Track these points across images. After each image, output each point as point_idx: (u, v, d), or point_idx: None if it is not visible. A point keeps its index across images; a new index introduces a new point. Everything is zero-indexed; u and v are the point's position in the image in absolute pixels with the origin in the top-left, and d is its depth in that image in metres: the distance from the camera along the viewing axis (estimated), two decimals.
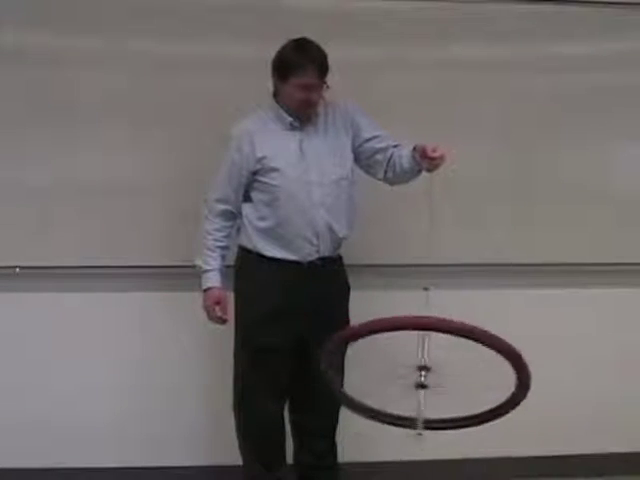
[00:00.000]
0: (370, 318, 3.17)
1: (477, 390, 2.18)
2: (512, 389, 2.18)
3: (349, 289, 2.98)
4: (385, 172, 2.88)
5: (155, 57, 3.20)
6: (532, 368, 3.29)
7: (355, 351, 2.56)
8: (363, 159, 2.91)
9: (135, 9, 3.16)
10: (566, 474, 3.44)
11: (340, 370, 2.69)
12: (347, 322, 2.96)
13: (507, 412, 2.24)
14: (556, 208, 3.35)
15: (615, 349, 3.46)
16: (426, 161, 2.61)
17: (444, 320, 2.05)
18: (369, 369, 2.38)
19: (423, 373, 2.16)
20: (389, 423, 2.31)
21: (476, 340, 2.05)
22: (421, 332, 2.18)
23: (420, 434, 2.17)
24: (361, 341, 2.21)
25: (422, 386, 2.15)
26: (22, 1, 3.15)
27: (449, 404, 2.18)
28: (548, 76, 3.33)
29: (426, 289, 2.30)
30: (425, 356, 2.16)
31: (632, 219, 3.41)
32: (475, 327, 2.05)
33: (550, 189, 3.37)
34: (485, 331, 2.05)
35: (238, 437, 3.00)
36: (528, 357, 3.40)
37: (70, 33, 3.17)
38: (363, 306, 2.98)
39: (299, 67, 2.71)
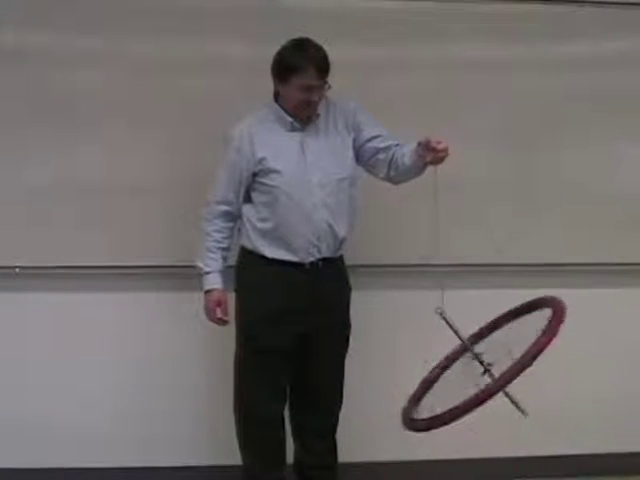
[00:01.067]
0: (370, 318, 3.20)
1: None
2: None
3: (350, 290, 2.98)
4: (388, 171, 2.87)
5: (155, 57, 3.20)
6: (532, 368, 3.30)
7: None
8: (365, 159, 2.91)
9: (135, 9, 3.16)
10: (566, 474, 3.44)
11: None
12: (348, 322, 2.96)
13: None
14: (558, 208, 3.35)
15: (615, 349, 3.46)
16: (430, 154, 2.60)
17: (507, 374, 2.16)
18: None
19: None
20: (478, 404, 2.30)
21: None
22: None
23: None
24: None
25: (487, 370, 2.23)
26: (22, 1, 3.15)
27: None
28: (550, 76, 3.33)
29: (441, 289, 2.31)
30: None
31: (633, 219, 3.41)
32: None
33: (552, 189, 3.37)
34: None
35: (238, 437, 2.99)
36: None
37: (70, 33, 3.17)
38: (365, 307, 2.98)
39: (299, 68, 2.71)
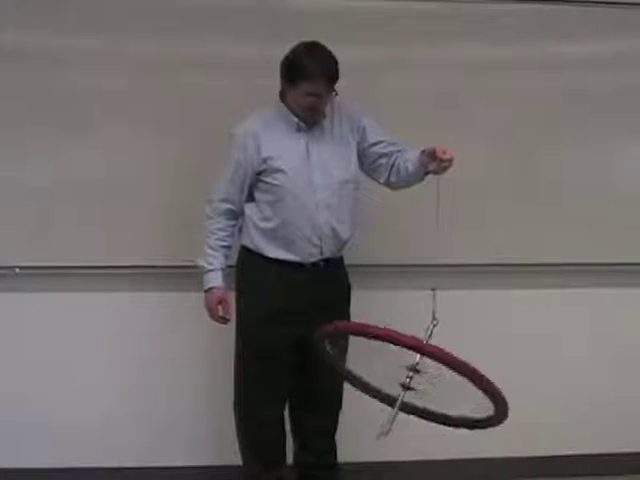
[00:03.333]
0: (370, 318, 3.19)
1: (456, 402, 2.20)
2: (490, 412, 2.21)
3: (350, 290, 2.98)
4: (388, 177, 2.88)
5: (155, 57, 3.19)
6: (532, 367, 3.31)
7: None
8: (367, 163, 2.90)
9: (135, 9, 3.16)
10: (566, 474, 3.44)
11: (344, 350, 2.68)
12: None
13: (481, 427, 2.28)
14: (558, 208, 3.35)
15: (615, 349, 3.46)
16: (435, 163, 2.60)
17: (437, 348, 2.09)
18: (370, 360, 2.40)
19: (410, 374, 2.17)
20: (374, 397, 2.37)
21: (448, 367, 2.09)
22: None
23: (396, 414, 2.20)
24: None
25: (407, 387, 2.17)
26: (22, 1, 3.15)
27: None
28: (550, 76, 3.33)
29: (433, 290, 2.30)
30: (418, 359, 2.17)
31: (633, 219, 3.40)
32: (449, 355, 2.08)
33: (552, 189, 3.37)
34: (457, 360, 2.07)
35: (238, 437, 3.00)
36: (528, 357, 3.42)
37: (70, 33, 3.17)
38: (367, 307, 2.98)
39: (309, 75, 2.69)
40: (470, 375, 2.08)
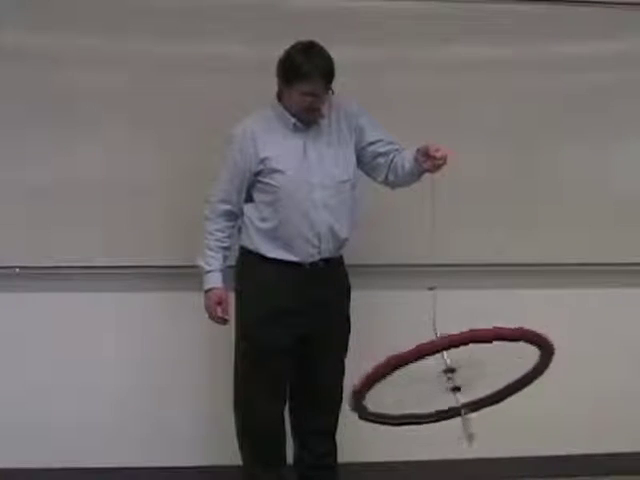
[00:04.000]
0: (370, 318, 3.20)
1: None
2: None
3: (349, 289, 2.98)
4: (386, 176, 2.88)
5: (155, 57, 3.20)
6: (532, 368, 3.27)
7: None
8: (365, 162, 2.91)
9: (135, 9, 3.17)
10: (566, 474, 3.44)
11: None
12: (347, 323, 2.96)
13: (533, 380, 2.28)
14: (557, 208, 3.35)
15: (615, 349, 3.46)
16: (429, 161, 2.61)
17: (457, 335, 2.08)
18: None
19: (450, 375, 2.16)
20: (434, 421, 2.32)
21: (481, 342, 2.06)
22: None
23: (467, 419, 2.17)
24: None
25: (456, 388, 2.16)
26: (22, 1, 3.15)
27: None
28: (549, 76, 3.33)
29: (431, 289, 2.30)
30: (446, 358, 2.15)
31: (632, 219, 3.41)
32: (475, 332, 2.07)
33: (551, 189, 3.37)
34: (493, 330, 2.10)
35: (238, 437, 2.99)
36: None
37: (70, 33, 3.17)
38: (365, 306, 2.98)
39: (305, 75, 2.69)
40: (499, 336, 2.09)
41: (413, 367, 2.09)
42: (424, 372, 2.13)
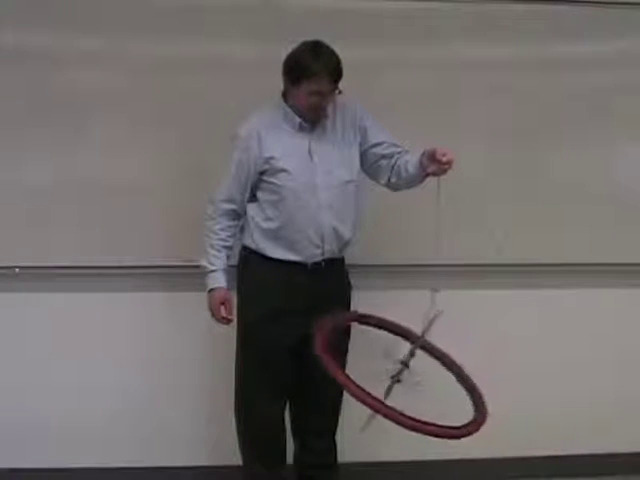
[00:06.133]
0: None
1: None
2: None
3: (351, 289, 2.98)
4: (389, 178, 2.88)
5: (155, 57, 3.19)
6: (532, 367, 3.31)
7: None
8: (368, 164, 2.90)
9: (135, 9, 3.16)
10: (566, 474, 3.44)
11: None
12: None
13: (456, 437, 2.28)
14: (558, 208, 3.35)
15: (615, 349, 3.46)
16: (434, 165, 2.60)
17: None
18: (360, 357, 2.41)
19: (401, 367, 2.23)
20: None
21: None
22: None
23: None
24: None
25: (396, 380, 2.20)
26: (22, 1, 3.15)
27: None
28: (549, 76, 3.33)
29: (435, 290, 2.31)
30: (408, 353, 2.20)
31: (632, 219, 3.41)
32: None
33: (552, 189, 3.37)
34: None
35: (238, 437, 3.00)
36: (528, 357, 3.42)
37: (70, 33, 3.17)
38: (366, 306, 2.98)
39: (313, 74, 2.69)
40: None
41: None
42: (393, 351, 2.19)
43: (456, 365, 2.43)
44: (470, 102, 3.27)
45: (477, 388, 2.34)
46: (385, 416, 2.17)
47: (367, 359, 2.38)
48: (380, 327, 2.52)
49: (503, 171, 3.37)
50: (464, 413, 2.32)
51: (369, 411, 2.24)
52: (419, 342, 2.40)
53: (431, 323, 2.31)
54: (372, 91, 3.14)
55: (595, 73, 3.39)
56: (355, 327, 2.96)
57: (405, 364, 2.30)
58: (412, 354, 2.36)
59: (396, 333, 2.44)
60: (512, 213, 3.35)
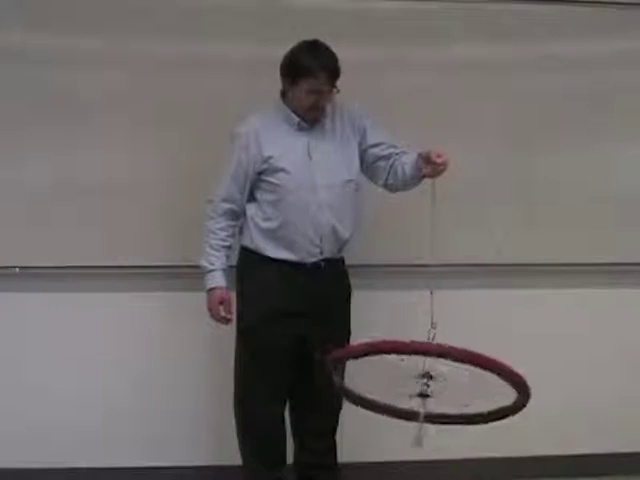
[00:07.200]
0: (370, 318, 3.20)
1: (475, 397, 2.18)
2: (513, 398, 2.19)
3: (351, 290, 2.98)
4: (386, 179, 2.88)
5: (155, 57, 3.20)
6: (532, 368, 3.29)
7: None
8: (366, 164, 2.91)
9: (135, 9, 3.17)
10: (566, 474, 3.43)
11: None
12: (348, 323, 2.96)
13: (505, 417, 2.24)
14: (557, 208, 3.35)
15: (615, 349, 3.46)
16: (429, 167, 2.61)
17: (444, 346, 2.05)
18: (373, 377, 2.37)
19: (425, 381, 2.14)
20: (391, 415, 2.30)
21: (476, 365, 2.05)
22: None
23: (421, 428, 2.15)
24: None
25: (424, 395, 2.15)
26: (22, 1, 3.15)
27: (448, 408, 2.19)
28: (549, 76, 3.33)
29: (431, 292, 2.30)
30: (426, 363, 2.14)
31: (632, 219, 3.41)
32: (474, 354, 2.04)
33: (552, 189, 3.37)
34: (485, 357, 2.06)
35: (238, 437, 2.99)
36: (528, 357, 3.41)
37: (70, 33, 3.17)
38: (365, 306, 2.98)
39: (310, 73, 2.69)
40: (495, 368, 2.06)
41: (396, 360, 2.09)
42: (406, 369, 2.14)
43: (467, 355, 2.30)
44: (470, 102, 3.27)
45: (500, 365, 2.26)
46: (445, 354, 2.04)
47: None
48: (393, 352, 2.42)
49: (503, 171, 3.37)
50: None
51: (415, 424, 2.15)
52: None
53: (433, 337, 2.29)
54: (372, 91, 3.14)
55: (595, 73, 3.39)
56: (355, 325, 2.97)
57: (429, 376, 2.21)
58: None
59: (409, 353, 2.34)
60: (512, 213, 3.36)
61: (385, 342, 2.09)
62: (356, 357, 2.18)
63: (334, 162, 2.82)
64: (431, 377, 2.15)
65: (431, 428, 2.18)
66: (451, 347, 2.05)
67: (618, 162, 3.47)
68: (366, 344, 2.13)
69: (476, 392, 2.13)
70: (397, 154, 2.85)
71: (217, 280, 2.85)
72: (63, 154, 3.19)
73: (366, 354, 2.13)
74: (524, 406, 2.22)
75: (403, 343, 2.06)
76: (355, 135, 2.87)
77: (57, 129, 3.17)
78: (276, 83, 2.81)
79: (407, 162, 2.78)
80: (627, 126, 3.41)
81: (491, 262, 3.34)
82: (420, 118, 3.19)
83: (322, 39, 2.75)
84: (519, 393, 2.17)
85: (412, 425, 2.19)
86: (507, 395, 2.18)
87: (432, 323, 2.25)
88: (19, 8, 3.13)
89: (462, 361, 2.04)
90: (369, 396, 2.32)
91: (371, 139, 2.87)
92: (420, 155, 2.66)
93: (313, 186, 2.79)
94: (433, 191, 2.48)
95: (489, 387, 2.12)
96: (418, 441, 2.15)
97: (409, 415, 2.21)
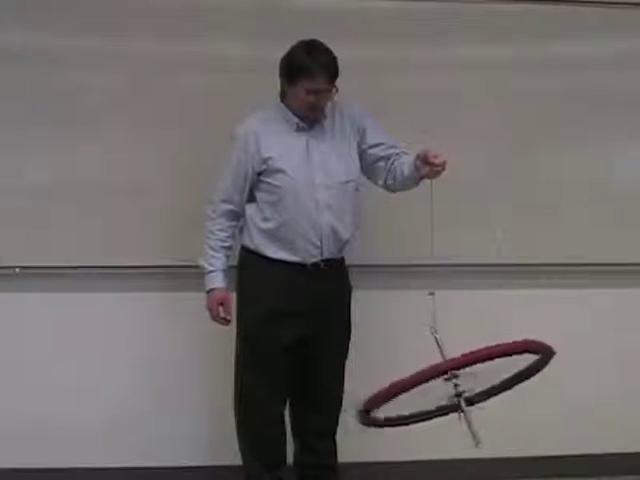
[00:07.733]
0: (370, 318, 3.20)
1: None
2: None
3: (351, 290, 2.98)
4: (385, 179, 2.88)
5: (155, 57, 3.20)
6: None
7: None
8: (366, 165, 2.90)
9: (135, 9, 3.17)
10: (566, 474, 3.43)
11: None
12: (348, 323, 2.96)
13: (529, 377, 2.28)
14: (558, 208, 3.36)
15: (615, 349, 3.46)
16: (427, 167, 2.61)
17: (459, 358, 2.11)
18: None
19: (453, 381, 2.16)
20: (436, 416, 2.29)
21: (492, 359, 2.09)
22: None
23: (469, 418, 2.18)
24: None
25: (459, 394, 2.17)
26: (22, 1, 3.15)
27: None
28: (549, 76, 3.34)
29: (431, 294, 2.30)
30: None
31: (632, 219, 3.41)
32: (485, 350, 2.10)
33: (551, 189, 3.38)
34: (494, 348, 2.12)
35: (238, 437, 2.99)
36: (527, 356, 3.41)
37: (70, 33, 3.17)
38: (365, 306, 2.98)
39: (309, 72, 2.69)
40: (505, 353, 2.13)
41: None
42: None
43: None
44: (470, 102, 3.28)
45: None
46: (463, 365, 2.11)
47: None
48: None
49: (503, 171, 3.37)
50: None
51: (466, 428, 2.18)
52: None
53: (441, 346, 2.30)
54: (372, 91, 3.15)
55: (595, 73, 3.39)
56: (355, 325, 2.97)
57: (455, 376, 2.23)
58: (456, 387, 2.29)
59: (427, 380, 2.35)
60: (512, 213, 3.36)
61: (407, 380, 2.14)
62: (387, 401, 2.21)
63: (333, 162, 2.82)
64: (456, 376, 2.16)
65: (480, 424, 2.20)
66: (463, 355, 2.12)
67: (618, 162, 3.47)
68: (395, 387, 2.17)
69: (500, 367, 2.18)
70: (397, 154, 2.85)
71: (217, 281, 2.85)
72: (63, 154, 3.20)
73: (390, 398, 2.18)
74: (549, 359, 2.27)
75: (423, 372, 2.12)
76: (355, 135, 2.87)
77: (57, 129, 3.18)
78: (275, 83, 2.81)
79: (406, 163, 2.78)
80: (627, 126, 3.41)
81: (491, 262, 3.34)
82: (420, 118, 3.20)
83: (322, 39, 2.75)
84: (543, 354, 2.21)
85: (461, 430, 2.20)
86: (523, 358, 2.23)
87: (433, 329, 2.26)
88: (19, 8, 3.13)
89: (477, 362, 2.11)
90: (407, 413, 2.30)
91: (371, 139, 2.87)
92: (418, 155, 2.66)
93: (312, 187, 2.78)
94: (431, 192, 2.48)
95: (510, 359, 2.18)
96: (476, 439, 2.16)
97: (453, 408, 2.22)
